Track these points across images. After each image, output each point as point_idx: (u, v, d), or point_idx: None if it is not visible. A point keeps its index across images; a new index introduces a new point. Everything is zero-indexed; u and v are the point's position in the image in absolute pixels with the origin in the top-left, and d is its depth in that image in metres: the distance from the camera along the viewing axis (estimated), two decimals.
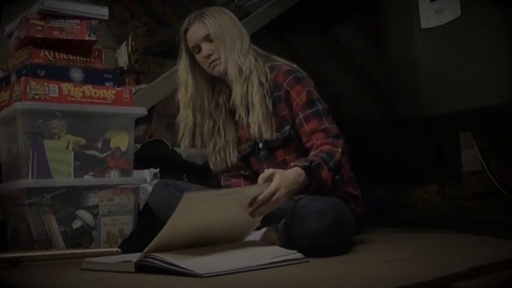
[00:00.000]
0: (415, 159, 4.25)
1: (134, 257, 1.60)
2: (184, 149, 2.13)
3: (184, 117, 2.05)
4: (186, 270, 1.42)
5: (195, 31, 1.98)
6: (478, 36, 2.18)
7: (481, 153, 2.64)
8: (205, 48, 1.97)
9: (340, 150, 1.84)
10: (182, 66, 2.05)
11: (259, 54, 2.04)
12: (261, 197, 1.65)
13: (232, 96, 1.98)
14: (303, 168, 1.74)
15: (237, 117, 2.01)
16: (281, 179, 1.68)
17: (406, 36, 2.42)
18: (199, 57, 2.01)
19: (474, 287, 1.24)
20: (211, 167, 2.11)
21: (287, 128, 1.96)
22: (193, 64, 2.04)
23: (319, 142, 1.87)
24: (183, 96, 2.05)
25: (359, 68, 4.06)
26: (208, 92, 2.06)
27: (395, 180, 4.50)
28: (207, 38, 1.97)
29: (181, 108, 2.06)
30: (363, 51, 3.95)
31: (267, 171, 1.72)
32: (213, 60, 1.97)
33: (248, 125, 2.00)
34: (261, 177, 1.71)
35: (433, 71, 2.34)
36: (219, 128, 2.06)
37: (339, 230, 1.79)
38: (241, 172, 2.12)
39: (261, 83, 1.96)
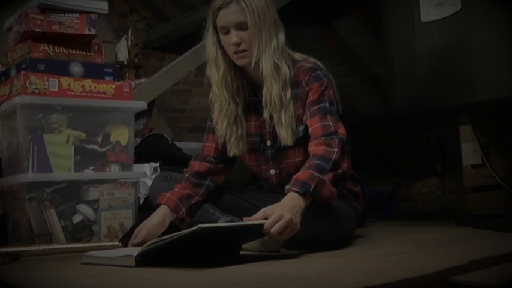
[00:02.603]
0: (415, 152, 4.25)
1: (134, 250, 1.60)
2: (220, 129, 1.96)
3: (218, 96, 1.94)
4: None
5: (230, 13, 1.84)
6: (479, 29, 2.18)
7: (481, 147, 2.63)
8: (236, 35, 1.83)
9: (335, 149, 1.76)
10: (210, 41, 1.91)
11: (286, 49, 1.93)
12: (268, 227, 1.55)
13: (264, 93, 1.88)
14: (296, 193, 1.66)
15: (265, 114, 1.90)
16: (278, 209, 1.59)
17: (406, 29, 2.41)
18: (224, 40, 1.87)
19: (474, 280, 1.24)
20: (235, 150, 1.98)
21: (301, 128, 1.89)
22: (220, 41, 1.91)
23: (313, 146, 1.80)
24: (215, 74, 1.92)
25: (359, 62, 4.06)
26: (232, 71, 1.93)
27: (396, 174, 4.51)
28: (241, 26, 1.83)
29: (214, 86, 1.94)
30: (363, 45, 3.94)
31: (266, 212, 1.60)
32: (241, 51, 1.85)
33: (260, 120, 1.94)
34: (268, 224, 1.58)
35: (433, 65, 2.33)
36: (238, 112, 1.95)
37: (340, 226, 1.79)
38: (211, 159, 2.03)
39: (290, 82, 1.87)
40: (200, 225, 1.45)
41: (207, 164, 2.03)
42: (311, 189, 1.66)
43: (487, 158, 2.64)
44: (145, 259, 1.53)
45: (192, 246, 1.57)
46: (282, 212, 1.59)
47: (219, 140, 2.00)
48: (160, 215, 1.93)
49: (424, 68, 2.36)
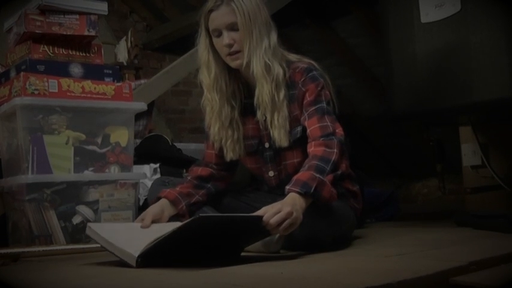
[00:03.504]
0: (414, 153, 4.25)
1: (139, 232, 1.59)
2: (213, 133, 1.95)
3: (210, 100, 1.93)
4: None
5: (221, 15, 1.84)
6: (478, 30, 2.18)
7: (481, 147, 2.63)
8: (228, 36, 1.84)
9: (335, 150, 1.76)
10: (203, 45, 1.91)
11: (280, 50, 1.92)
12: (267, 218, 1.55)
13: (256, 94, 1.88)
14: (297, 193, 1.66)
15: (258, 115, 1.90)
16: (279, 203, 1.61)
17: (405, 30, 2.41)
18: (217, 42, 1.87)
19: (474, 281, 1.24)
20: (231, 154, 1.97)
21: (299, 129, 1.89)
22: (213, 44, 1.91)
23: (312, 147, 1.80)
24: (206, 78, 1.92)
25: (359, 62, 4.06)
26: (226, 75, 1.92)
27: (395, 174, 4.51)
28: (232, 27, 1.83)
29: (205, 90, 1.94)
30: (362, 45, 3.94)
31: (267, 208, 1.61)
32: (234, 52, 1.85)
33: (257, 123, 1.94)
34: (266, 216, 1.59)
35: (432, 65, 2.33)
36: (234, 116, 1.94)
37: (339, 226, 1.79)
38: (214, 166, 2.03)
39: (284, 83, 1.88)
40: (200, 214, 1.46)
41: (210, 169, 2.03)
42: (312, 190, 1.66)
43: (487, 158, 2.64)
44: (147, 259, 1.52)
45: (193, 244, 1.57)
46: (282, 205, 1.60)
47: (214, 144, 2.00)
48: (159, 205, 1.89)
49: (423, 69, 2.36)
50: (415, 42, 2.38)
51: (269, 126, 1.89)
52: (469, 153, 2.78)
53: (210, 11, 1.87)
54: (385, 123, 3.90)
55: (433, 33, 2.32)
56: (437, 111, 2.39)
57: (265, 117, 1.90)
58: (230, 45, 1.84)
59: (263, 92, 1.86)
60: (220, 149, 1.99)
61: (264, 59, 1.84)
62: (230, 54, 1.86)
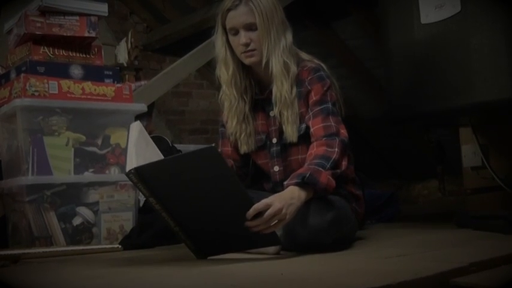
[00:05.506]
0: (415, 155, 4.25)
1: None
2: (230, 127, 1.98)
3: (228, 95, 1.97)
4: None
5: (239, 15, 1.88)
6: (478, 31, 2.18)
7: (481, 149, 2.63)
8: (245, 35, 1.87)
9: (336, 149, 1.79)
10: (220, 42, 1.95)
11: (293, 48, 1.97)
12: (254, 207, 1.57)
13: (274, 91, 1.91)
14: (295, 185, 1.69)
15: (275, 111, 1.93)
16: (274, 197, 1.63)
17: (405, 31, 2.41)
18: (233, 40, 1.91)
19: (474, 282, 1.24)
20: (245, 148, 2.01)
21: (303, 125, 1.91)
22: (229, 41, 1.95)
23: (314, 148, 1.82)
24: (224, 74, 1.96)
25: (358, 64, 4.06)
26: (241, 71, 1.97)
27: (396, 176, 4.51)
28: (250, 27, 1.87)
29: (224, 86, 1.98)
30: (362, 47, 3.94)
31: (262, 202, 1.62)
32: (249, 51, 1.88)
33: (266, 118, 1.97)
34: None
35: (432, 67, 2.33)
36: (246, 111, 1.98)
37: (340, 227, 1.78)
38: (231, 161, 2.05)
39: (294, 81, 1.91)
40: (209, 146, 1.56)
41: (231, 162, 2.04)
42: (307, 175, 1.69)
43: (487, 159, 2.64)
44: (142, 173, 1.57)
45: (187, 191, 1.61)
46: (273, 200, 1.61)
47: (230, 138, 2.03)
48: None
49: (423, 70, 2.36)
50: (415, 43, 2.38)
51: (284, 122, 1.92)
52: (469, 154, 2.78)
53: (228, 9, 1.90)
54: (385, 124, 3.89)
55: (433, 34, 2.32)
56: (437, 113, 2.39)
57: (281, 114, 1.92)
58: (247, 44, 1.88)
59: (282, 89, 1.89)
60: (236, 144, 2.03)
61: (283, 58, 1.89)
62: (245, 52, 1.89)
